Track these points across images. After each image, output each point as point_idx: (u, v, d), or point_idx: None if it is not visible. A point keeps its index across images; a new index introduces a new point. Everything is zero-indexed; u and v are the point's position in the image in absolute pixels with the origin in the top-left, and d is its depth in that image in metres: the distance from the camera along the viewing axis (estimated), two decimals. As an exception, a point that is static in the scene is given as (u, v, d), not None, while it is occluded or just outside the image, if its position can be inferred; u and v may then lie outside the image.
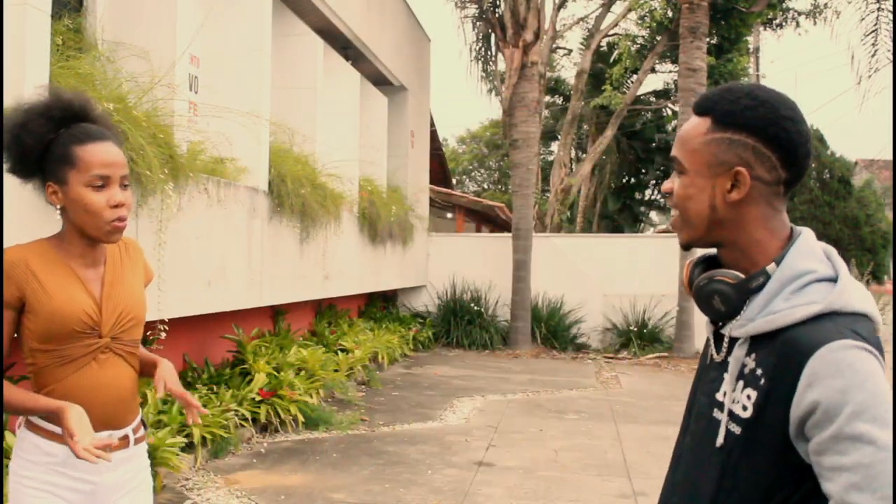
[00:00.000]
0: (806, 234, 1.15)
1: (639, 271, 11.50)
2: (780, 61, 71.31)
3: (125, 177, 1.73)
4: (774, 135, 1.12)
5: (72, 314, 1.68)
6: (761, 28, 16.97)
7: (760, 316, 1.11)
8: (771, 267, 1.12)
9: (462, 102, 63.64)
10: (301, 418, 5.74)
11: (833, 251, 1.15)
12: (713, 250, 1.24)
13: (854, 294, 1.08)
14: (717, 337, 1.21)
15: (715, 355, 1.21)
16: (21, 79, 3.31)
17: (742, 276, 1.14)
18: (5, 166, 1.74)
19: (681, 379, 9.27)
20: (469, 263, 12.04)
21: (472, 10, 13.86)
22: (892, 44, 11.15)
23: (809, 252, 1.12)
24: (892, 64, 11.16)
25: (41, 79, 3.45)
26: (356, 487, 4.52)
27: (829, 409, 0.99)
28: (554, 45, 19.87)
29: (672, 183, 1.22)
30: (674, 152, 1.21)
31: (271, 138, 6.30)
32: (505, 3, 11.58)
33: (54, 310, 1.67)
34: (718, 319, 1.19)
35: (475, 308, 11.60)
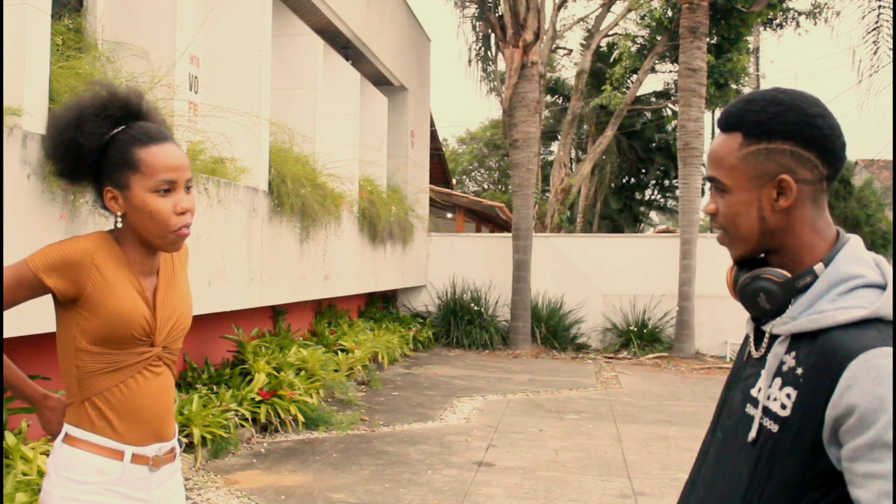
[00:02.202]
0: (854, 240, 1.16)
1: (639, 271, 11.50)
2: (780, 61, 71.33)
3: (190, 180, 1.60)
4: (810, 135, 1.12)
5: (133, 318, 1.56)
6: (761, 28, 16.97)
7: (804, 315, 1.10)
8: (818, 267, 1.13)
9: (462, 102, 63.72)
10: (301, 418, 5.74)
11: (883, 260, 1.15)
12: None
13: None
14: (758, 334, 1.22)
15: (754, 352, 1.21)
16: (21, 79, 3.32)
17: (788, 274, 1.15)
18: (53, 169, 1.60)
19: (681, 379, 9.27)
20: (469, 263, 12.04)
21: (472, 10, 13.89)
22: (892, 42, 11.15)
23: (857, 257, 1.13)
24: (892, 63, 11.17)
25: (41, 79, 3.46)
26: (356, 487, 4.52)
27: (866, 415, 0.97)
28: (554, 45, 19.87)
29: (714, 203, 1.22)
30: (710, 173, 1.21)
31: (271, 138, 6.30)
32: (505, 3, 11.57)
33: (115, 309, 1.54)
34: (762, 317, 1.19)
35: (475, 308, 11.59)
